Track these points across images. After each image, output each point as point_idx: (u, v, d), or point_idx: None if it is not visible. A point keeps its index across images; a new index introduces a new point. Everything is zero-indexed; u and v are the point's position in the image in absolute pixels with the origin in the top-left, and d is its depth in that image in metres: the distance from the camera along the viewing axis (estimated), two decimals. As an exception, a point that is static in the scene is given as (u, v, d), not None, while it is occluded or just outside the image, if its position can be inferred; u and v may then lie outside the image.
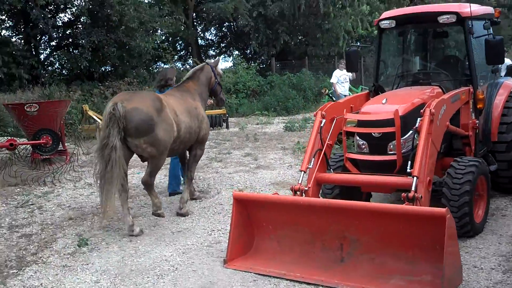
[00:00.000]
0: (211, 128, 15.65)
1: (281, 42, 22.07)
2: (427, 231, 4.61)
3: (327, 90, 17.13)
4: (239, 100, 20.14)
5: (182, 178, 8.33)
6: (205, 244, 6.15)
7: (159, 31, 19.56)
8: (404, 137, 5.82)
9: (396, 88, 7.19)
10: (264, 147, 12.25)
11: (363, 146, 6.12)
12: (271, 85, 21.03)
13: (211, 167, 10.42)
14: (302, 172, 5.81)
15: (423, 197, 5.03)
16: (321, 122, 6.13)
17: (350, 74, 15.59)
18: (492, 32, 7.26)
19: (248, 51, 22.48)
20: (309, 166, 5.88)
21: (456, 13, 6.68)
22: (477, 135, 6.87)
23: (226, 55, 28.99)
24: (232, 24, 24.44)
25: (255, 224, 5.61)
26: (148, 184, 6.76)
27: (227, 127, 16.01)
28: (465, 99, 6.64)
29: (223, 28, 25.54)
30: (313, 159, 5.94)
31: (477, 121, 6.82)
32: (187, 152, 7.68)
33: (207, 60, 8.50)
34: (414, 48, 8.41)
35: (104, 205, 6.25)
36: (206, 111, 8.29)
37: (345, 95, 15.50)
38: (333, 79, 15.38)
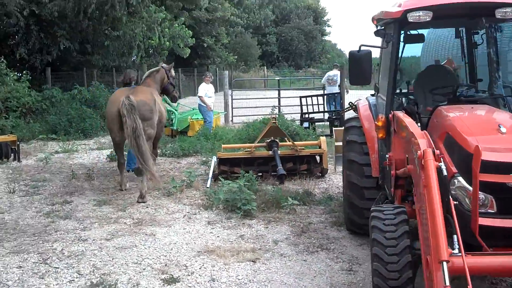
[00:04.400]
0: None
1: (59, 49, 17.70)
2: None
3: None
4: (13, 121, 15.18)
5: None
6: None
7: None
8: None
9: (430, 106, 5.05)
10: (115, 189, 8.62)
11: (484, 203, 3.73)
12: (51, 102, 16.57)
13: (64, 231, 6.54)
14: (445, 264, 3.10)
15: None
16: (438, 166, 3.52)
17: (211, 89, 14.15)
18: None
19: (12, 57, 17.43)
20: (454, 251, 3.23)
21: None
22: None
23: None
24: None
25: None
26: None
27: (18, 159, 11.45)
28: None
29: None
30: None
31: None
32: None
33: (162, 64, 9.79)
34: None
35: (151, 173, 7.67)
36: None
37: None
38: (201, 92, 13.76)
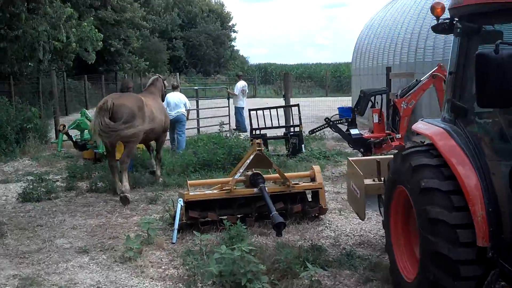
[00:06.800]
0: None
1: None
2: None
3: (64, 127, 11.33)
4: None
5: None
6: None
7: None
8: None
9: None
10: (39, 252, 6.03)
11: None
12: None
13: None
14: None
15: None
16: None
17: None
18: None
19: None
20: None
21: None
22: None
23: None
24: None
25: None
26: (124, 163, 8.37)
27: None
28: None
29: None
30: None
31: None
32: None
33: (158, 75, 11.00)
34: None
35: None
36: None
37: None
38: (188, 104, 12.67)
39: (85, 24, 19.18)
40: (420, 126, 4.75)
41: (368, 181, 5.66)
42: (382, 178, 5.38)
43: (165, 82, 10.57)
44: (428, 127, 4.58)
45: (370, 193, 5.62)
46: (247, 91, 17.02)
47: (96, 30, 20.44)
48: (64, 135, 11.32)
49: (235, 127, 16.85)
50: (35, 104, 16.29)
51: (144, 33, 39.34)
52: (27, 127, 13.47)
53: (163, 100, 10.42)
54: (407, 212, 4.74)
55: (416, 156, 4.32)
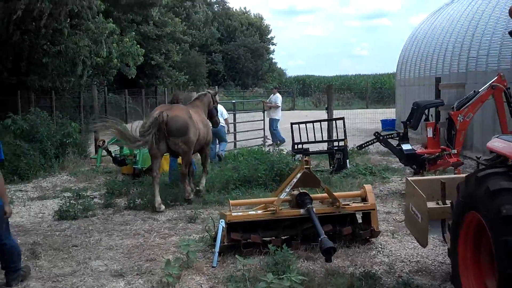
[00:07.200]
0: None
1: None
2: None
3: (104, 142, 11.14)
4: None
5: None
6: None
7: None
8: None
9: None
10: (73, 276, 5.70)
11: None
12: (-25, 135, 13.21)
13: None
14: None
15: None
16: None
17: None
18: None
19: None
20: None
21: None
22: None
23: None
24: None
25: None
26: (184, 174, 8.77)
27: None
28: None
29: None
30: None
31: None
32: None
33: (208, 90, 10.74)
34: None
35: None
36: None
37: None
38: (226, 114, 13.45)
39: (127, 39, 19.21)
40: (497, 144, 4.18)
41: (431, 204, 5.09)
42: (450, 202, 4.81)
43: (215, 97, 10.15)
44: (507, 146, 4.01)
45: (434, 218, 5.05)
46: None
47: (138, 45, 20.45)
48: (104, 150, 11.13)
49: (271, 141, 16.59)
50: (75, 118, 16.32)
51: (184, 47, 39.56)
52: (67, 142, 13.39)
53: (210, 116, 9.99)
54: (479, 240, 4.18)
55: (494, 179, 3.76)
